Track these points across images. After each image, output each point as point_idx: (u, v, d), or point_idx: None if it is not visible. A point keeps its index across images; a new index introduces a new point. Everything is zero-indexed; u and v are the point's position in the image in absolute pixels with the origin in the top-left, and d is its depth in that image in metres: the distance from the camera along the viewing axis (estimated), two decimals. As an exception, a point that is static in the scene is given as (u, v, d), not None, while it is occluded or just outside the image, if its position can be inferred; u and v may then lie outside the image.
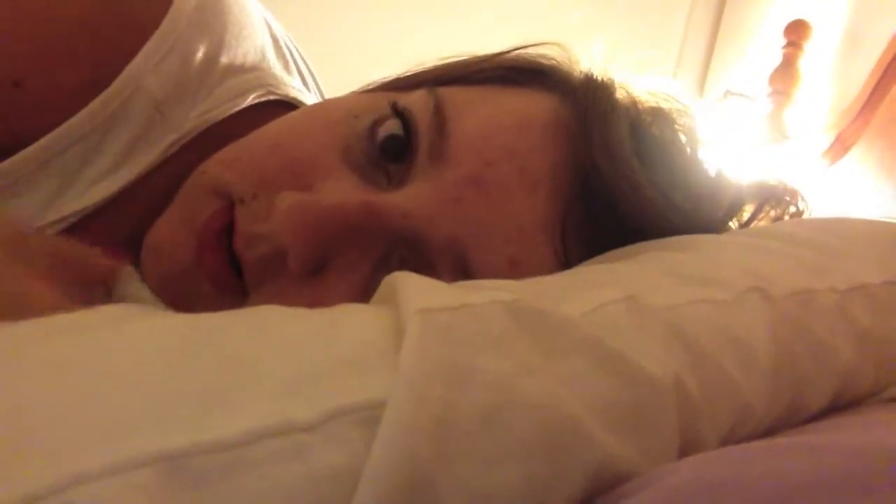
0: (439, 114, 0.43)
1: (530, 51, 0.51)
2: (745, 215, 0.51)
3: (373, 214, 0.40)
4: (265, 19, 0.56)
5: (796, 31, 1.56)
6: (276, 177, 0.42)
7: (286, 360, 0.26)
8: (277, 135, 0.47)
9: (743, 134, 1.56)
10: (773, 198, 0.52)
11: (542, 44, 0.52)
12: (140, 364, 0.25)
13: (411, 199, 0.41)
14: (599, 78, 0.47)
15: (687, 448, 0.30)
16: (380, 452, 0.23)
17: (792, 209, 0.53)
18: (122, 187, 0.48)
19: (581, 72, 0.49)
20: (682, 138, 0.47)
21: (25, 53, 0.44)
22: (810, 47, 1.56)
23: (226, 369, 0.25)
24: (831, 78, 1.59)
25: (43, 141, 0.46)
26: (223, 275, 0.42)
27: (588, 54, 0.50)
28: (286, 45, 0.58)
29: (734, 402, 0.32)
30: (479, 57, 0.51)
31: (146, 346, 0.26)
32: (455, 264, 0.40)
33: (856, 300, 0.38)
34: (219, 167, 0.45)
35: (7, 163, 0.46)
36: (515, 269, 0.40)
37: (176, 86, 0.48)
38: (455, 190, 0.41)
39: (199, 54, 0.49)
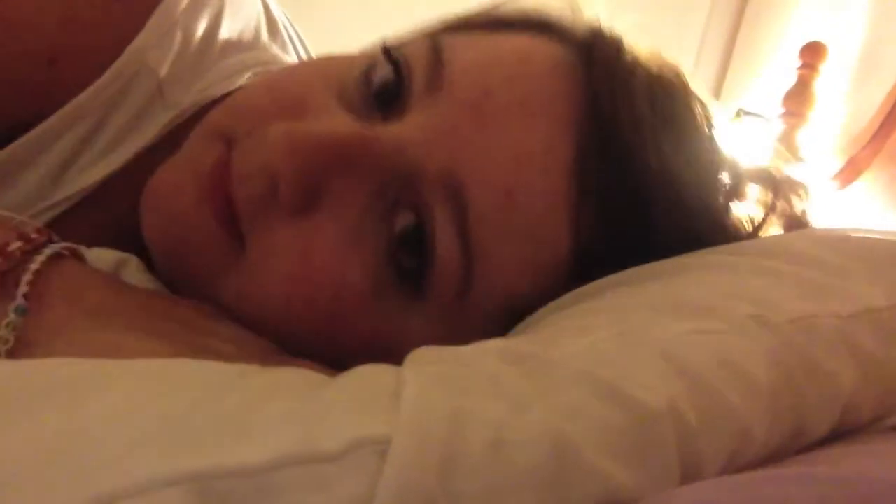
0: (436, 51, 0.42)
1: (534, 2, 0.50)
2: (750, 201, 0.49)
3: (365, 145, 0.39)
4: (264, 1, 0.56)
5: (812, 53, 1.56)
6: (269, 112, 0.41)
7: (312, 392, 0.27)
8: (274, 78, 0.47)
9: (755, 154, 1.55)
10: (781, 189, 0.50)
11: None
12: (167, 395, 0.26)
13: (406, 130, 0.40)
14: (607, 29, 0.46)
15: (687, 474, 0.30)
16: (387, 485, 0.23)
17: (799, 204, 0.51)
18: (118, 168, 0.48)
19: (588, 23, 0.47)
20: (687, 110, 0.45)
21: (57, 30, 0.45)
22: (825, 69, 1.56)
23: (253, 397, 0.26)
24: (845, 101, 1.58)
25: (51, 119, 0.46)
26: (226, 213, 0.40)
27: (593, 11, 0.48)
28: (283, 24, 0.58)
29: (733, 427, 0.31)
30: (476, 10, 0.50)
31: (174, 379, 0.27)
32: (450, 197, 0.39)
33: (859, 325, 0.37)
34: (219, 113, 0.45)
35: (16, 143, 0.46)
36: (511, 200, 0.39)
37: (175, 63, 0.48)
38: (451, 118, 0.39)
39: (198, 32, 0.49)
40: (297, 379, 0.29)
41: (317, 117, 0.41)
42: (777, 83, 1.70)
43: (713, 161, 0.45)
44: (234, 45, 0.52)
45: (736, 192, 0.47)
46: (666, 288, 0.38)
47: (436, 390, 0.27)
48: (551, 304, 0.40)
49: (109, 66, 0.46)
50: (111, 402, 0.26)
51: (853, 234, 0.46)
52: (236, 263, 0.41)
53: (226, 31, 0.51)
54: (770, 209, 0.48)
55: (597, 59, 0.42)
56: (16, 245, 0.37)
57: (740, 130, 1.66)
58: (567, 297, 0.40)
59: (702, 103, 0.46)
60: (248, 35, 0.53)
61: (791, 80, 1.59)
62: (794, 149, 1.54)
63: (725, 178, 0.46)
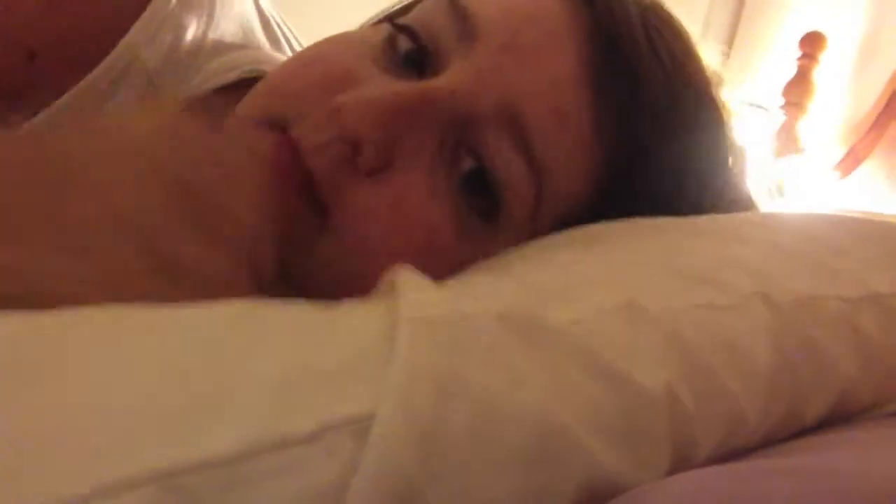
0: (455, 5, 0.44)
1: None
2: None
3: (426, 98, 0.41)
4: (258, 0, 0.58)
5: (811, 43, 1.56)
6: (321, 87, 0.43)
7: (279, 369, 0.25)
8: (304, 57, 0.48)
9: (756, 144, 1.55)
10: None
11: None
12: (128, 381, 0.24)
13: (454, 77, 0.42)
14: None
15: (679, 456, 0.30)
16: (368, 467, 0.23)
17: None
18: None
19: None
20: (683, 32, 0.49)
21: (37, 23, 0.46)
22: (825, 59, 1.56)
23: (219, 382, 0.24)
24: (845, 91, 1.58)
25: (40, 115, 0.47)
26: (304, 186, 0.41)
27: None
28: (276, 23, 0.59)
29: (728, 411, 0.32)
30: None
31: (135, 361, 0.26)
32: (509, 127, 0.42)
33: (864, 310, 0.38)
34: (258, 100, 0.46)
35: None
36: (561, 117, 0.42)
37: (168, 60, 0.49)
38: (492, 60, 0.42)
39: (190, 30, 0.50)
40: (270, 344, 0.27)
41: (369, 83, 0.43)
42: (777, 74, 1.70)
43: (700, 72, 0.49)
44: (227, 44, 0.53)
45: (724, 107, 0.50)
46: (673, 248, 0.39)
47: (429, 355, 0.26)
48: (564, 236, 0.43)
49: (91, 60, 0.47)
50: (68, 388, 0.24)
51: (860, 219, 0.48)
52: (320, 232, 0.42)
53: (217, 30, 0.52)
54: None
55: None
56: None
57: (741, 121, 1.66)
58: (578, 232, 0.43)
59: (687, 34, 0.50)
60: (239, 33, 0.55)
61: (791, 70, 1.59)
62: (794, 139, 1.54)
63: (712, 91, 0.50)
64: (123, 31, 0.47)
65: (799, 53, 1.58)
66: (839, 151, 1.49)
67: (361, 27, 0.53)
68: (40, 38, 0.46)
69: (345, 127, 0.40)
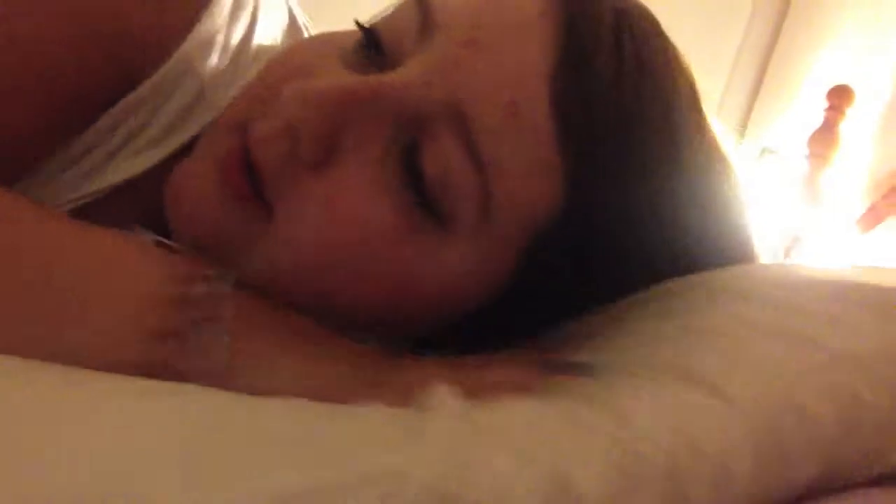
0: (422, 2, 0.44)
1: None
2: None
3: (374, 92, 0.41)
4: (289, 5, 0.58)
5: (839, 96, 1.55)
6: (279, 83, 0.43)
7: (326, 436, 0.29)
8: (275, 59, 0.48)
9: (777, 193, 1.55)
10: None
11: None
12: (193, 435, 0.28)
13: (408, 72, 0.42)
14: None
15: None
16: None
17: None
18: (157, 163, 0.49)
19: None
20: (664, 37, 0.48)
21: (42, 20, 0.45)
22: (852, 113, 1.56)
23: (275, 439, 0.29)
24: (871, 146, 1.58)
25: (103, 118, 0.47)
26: (246, 188, 0.42)
27: None
28: (304, 24, 0.60)
29: (706, 472, 0.33)
30: None
31: (197, 417, 0.30)
32: (453, 120, 0.41)
33: (842, 370, 0.38)
34: (235, 105, 0.47)
35: (92, 129, 0.47)
36: (514, 111, 0.41)
37: (217, 67, 0.50)
38: (449, 54, 0.41)
39: (235, 37, 0.51)
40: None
41: (323, 75, 0.43)
42: (803, 124, 1.70)
43: (690, 83, 0.48)
44: (266, 49, 0.53)
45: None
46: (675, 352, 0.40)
47: (454, 440, 0.29)
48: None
49: (149, 64, 0.47)
50: (127, 436, 0.28)
51: (838, 280, 0.47)
52: (264, 233, 0.42)
53: (259, 36, 0.53)
54: None
55: None
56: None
57: (764, 169, 1.67)
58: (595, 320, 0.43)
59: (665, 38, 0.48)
60: (278, 39, 0.55)
61: (817, 121, 1.58)
62: (816, 190, 1.54)
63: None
64: (172, 40, 0.48)
65: (826, 105, 1.57)
66: (861, 206, 1.48)
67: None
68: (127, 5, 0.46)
69: (285, 116, 0.41)
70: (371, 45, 0.45)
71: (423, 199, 0.41)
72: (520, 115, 0.41)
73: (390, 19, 0.46)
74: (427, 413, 0.32)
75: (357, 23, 0.46)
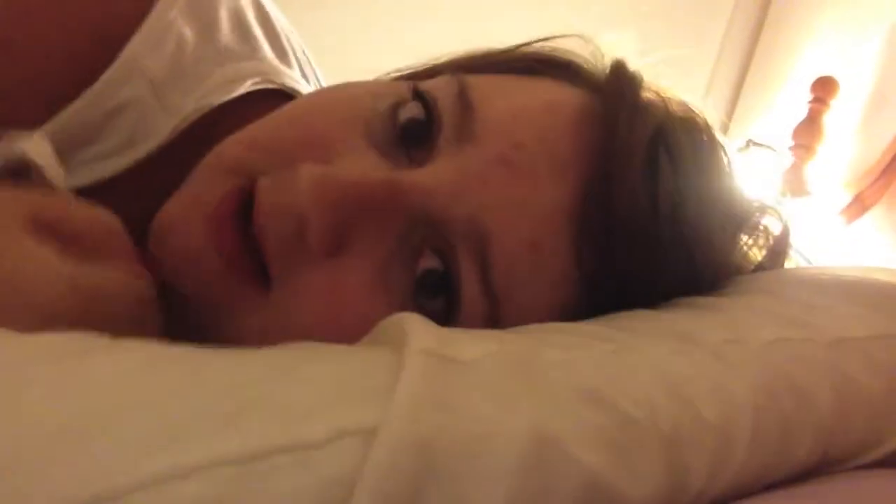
0: (464, 96, 0.42)
1: (553, 42, 0.51)
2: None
3: (395, 191, 0.39)
4: (262, 11, 0.56)
5: (823, 88, 1.56)
6: (297, 150, 0.41)
7: (296, 391, 0.28)
8: (295, 111, 0.46)
9: (762, 185, 1.55)
10: (777, 243, 0.52)
11: (565, 35, 0.51)
12: (159, 387, 0.27)
13: (435, 177, 0.40)
14: (629, 70, 0.46)
15: (674, 475, 0.31)
16: (372, 468, 0.25)
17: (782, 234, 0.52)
18: (120, 172, 0.48)
19: (612, 60, 0.48)
20: (708, 152, 0.46)
21: (12, 15, 0.44)
22: (836, 104, 1.56)
23: (242, 395, 0.27)
24: (855, 136, 1.58)
25: (46, 127, 0.45)
26: (239, 257, 0.40)
27: (615, 45, 0.49)
28: (285, 36, 0.58)
29: (709, 440, 0.32)
30: (500, 48, 0.51)
31: (166, 369, 0.29)
32: (474, 245, 0.39)
33: (838, 352, 0.38)
34: (238, 147, 0.44)
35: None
36: (535, 252, 0.40)
37: (171, 70, 0.48)
38: (482, 170, 0.40)
39: (193, 39, 0.49)
40: (290, 370, 0.30)
41: (344, 158, 0.41)
42: (787, 116, 1.70)
43: (726, 206, 0.46)
44: (232, 54, 0.52)
45: (741, 235, 0.49)
46: (654, 317, 0.40)
47: (430, 385, 0.28)
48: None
49: (81, 59, 0.45)
50: (96, 392, 0.26)
51: (829, 275, 0.48)
52: (261, 301, 0.40)
53: (222, 40, 0.51)
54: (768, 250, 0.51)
55: (618, 107, 0.43)
56: None
57: (748, 161, 1.67)
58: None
59: (718, 145, 0.47)
60: (245, 44, 0.53)
61: (801, 113, 1.59)
62: (802, 182, 1.54)
63: (736, 222, 0.48)
64: (120, 36, 0.46)
65: (810, 97, 1.58)
66: (846, 197, 1.49)
67: (381, 77, 0.52)
68: (11, 28, 0.44)
69: (296, 203, 0.39)
70: (408, 118, 0.43)
71: (424, 305, 0.40)
72: (541, 256, 0.40)
73: (431, 94, 0.43)
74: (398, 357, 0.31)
75: (392, 105, 0.43)
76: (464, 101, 0.42)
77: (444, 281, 0.40)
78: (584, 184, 0.41)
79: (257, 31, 0.55)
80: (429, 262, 0.40)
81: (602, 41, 0.50)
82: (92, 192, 0.44)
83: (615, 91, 0.44)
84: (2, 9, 0.44)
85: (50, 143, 0.42)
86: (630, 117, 0.42)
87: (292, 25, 0.60)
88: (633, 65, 0.48)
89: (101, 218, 0.40)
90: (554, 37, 0.51)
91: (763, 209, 0.51)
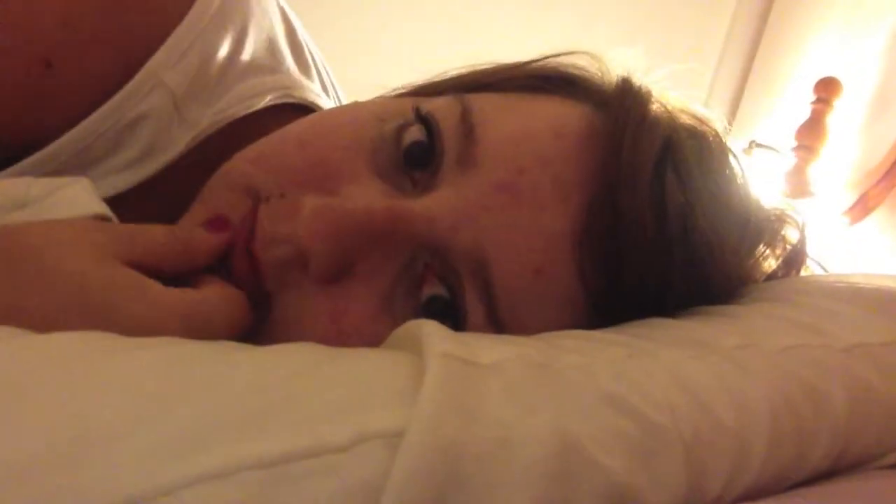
0: (466, 119, 0.42)
1: (560, 59, 0.50)
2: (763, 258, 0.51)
3: (398, 220, 0.40)
4: (289, 25, 0.56)
5: (826, 88, 1.56)
6: (302, 176, 0.42)
7: (320, 394, 0.28)
8: (304, 133, 0.46)
9: (766, 186, 1.55)
10: (793, 252, 0.51)
11: (572, 52, 0.50)
12: (184, 387, 0.28)
13: (437, 205, 0.40)
14: (636, 85, 0.46)
15: (693, 480, 0.31)
16: (399, 472, 0.25)
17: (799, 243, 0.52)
18: (136, 184, 0.48)
19: (618, 76, 0.47)
20: (721, 165, 0.46)
21: (55, 32, 0.44)
22: (839, 105, 1.56)
23: (267, 397, 0.27)
24: (859, 137, 1.58)
25: (64, 138, 0.45)
26: (250, 279, 0.41)
27: (622, 61, 0.49)
28: (308, 50, 0.58)
29: (728, 445, 0.32)
30: (506, 64, 0.51)
31: (190, 369, 0.29)
32: (477, 272, 0.40)
33: (853, 358, 0.38)
34: (245, 164, 0.45)
35: (31, 160, 0.46)
36: (540, 278, 0.40)
37: (194, 83, 0.48)
38: (484, 197, 0.40)
39: (219, 53, 0.49)
40: (313, 373, 0.30)
41: (349, 186, 0.41)
42: (790, 117, 1.70)
43: (739, 216, 0.46)
44: (257, 67, 0.52)
45: (755, 250, 0.49)
46: (667, 328, 0.40)
47: (453, 389, 0.28)
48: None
49: (113, 78, 0.45)
50: (124, 394, 0.27)
51: (843, 283, 0.48)
52: (261, 323, 0.41)
53: (248, 53, 0.51)
54: (782, 263, 0.51)
55: (625, 125, 0.42)
56: None
57: (752, 162, 1.67)
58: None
59: (730, 155, 0.46)
60: (270, 57, 0.53)
61: (805, 114, 1.58)
62: (805, 183, 1.54)
63: (752, 231, 0.47)
64: (151, 48, 0.46)
65: (813, 98, 1.57)
66: (850, 198, 1.48)
67: (388, 93, 0.52)
68: (57, 49, 0.44)
69: (296, 235, 0.39)
70: (413, 141, 0.43)
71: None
72: (545, 279, 0.40)
73: (434, 116, 0.43)
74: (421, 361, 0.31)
75: (396, 128, 0.43)
76: (466, 126, 0.42)
77: (450, 307, 0.40)
78: (589, 206, 0.40)
79: (283, 44, 0.55)
80: (434, 288, 0.40)
81: (609, 56, 0.50)
82: (108, 204, 0.45)
83: (621, 108, 0.43)
84: (48, 28, 0.44)
85: (91, 185, 0.43)
86: (636, 134, 0.41)
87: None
88: (640, 77, 0.48)
89: (177, 236, 0.41)
90: (561, 53, 0.50)
91: (781, 218, 0.51)
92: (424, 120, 0.43)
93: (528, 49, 0.51)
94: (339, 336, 0.39)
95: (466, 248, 0.40)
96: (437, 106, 0.44)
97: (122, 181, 0.48)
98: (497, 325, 0.40)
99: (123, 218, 0.43)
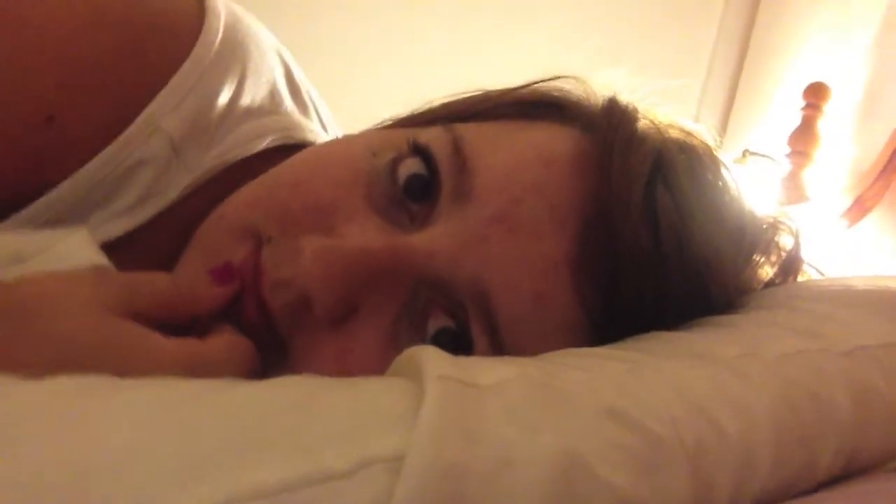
0: (459, 152, 0.42)
1: (547, 84, 0.51)
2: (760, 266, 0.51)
3: (398, 257, 0.40)
4: (286, 66, 0.57)
5: (815, 93, 1.57)
6: (299, 217, 0.42)
7: (320, 421, 0.28)
8: (297, 173, 0.46)
9: (762, 194, 1.55)
10: (790, 260, 0.52)
11: (559, 77, 0.51)
12: (184, 421, 0.27)
13: (436, 239, 0.41)
14: (622, 104, 0.47)
15: (699, 494, 0.31)
16: (401, 493, 0.25)
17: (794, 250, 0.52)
18: (132, 229, 0.48)
19: (604, 97, 0.48)
20: (712, 177, 0.46)
21: (55, 89, 0.44)
22: (829, 109, 1.57)
23: (266, 427, 0.27)
24: (851, 140, 1.59)
25: (62, 187, 0.45)
26: (261, 325, 0.41)
27: (608, 82, 0.49)
28: (306, 91, 0.59)
29: (732, 455, 0.32)
30: (493, 92, 0.51)
31: (189, 403, 0.29)
32: (478, 303, 0.40)
33: (853, 361, 0.38)
34: (241, 208, 0.45)
35: (30, 210, 0.45)
36: (541, 304, 0.40)
37: (193, 128, 0.48)
38: (481, 229, 0.40)
39: (218, 97, 0.49)
40: (312, 401, 0.30)
41: (347, 225, 0.42)
42: (782, 123, 1.71)
43: (733, 227, 0.46)
44: (257, 110, 0.52)
45: (751, 259, 0.49)
46: (665, 342, 0.40)
47: (453, 411, 0.28)
48: None
49: (115, 128, 0.45)
50: (121, 429, 0.27)
51: (840, 286, 0.48)
52: (279, 362, 0.41)
53: (248, 96, 0.51)
54: (777, 271, 0.51)
55: (613, 145, 0.43)
56: None
57: (746, 171, 1.67)
58: None
59: (721, 166, 0.47)
60: (269, 100, 0.53)
61: (796, 120, 1.59)
62: (800, 188, 1.54)
63: (747, 241, 0.48)
64: (150, 95, 0.46)
65: (803, 103, 1.58)
66: (846, 200, 1.49)
67: (376, 126, 0.53)
68: (58, 105, 0.44)
69: (299, 278, 0.40)
70: (411, 174, 0.43)
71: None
72: (546, 304, 0.40)
73: (428, 148, 0.43)
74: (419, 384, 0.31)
75: (390, 162, 0.44)
76: (459, 158, 0.42)
77: (458, 338, 0.41)
78: (583, 228, 0.41)
79: (282, 84, 0.55)
80: (440, 321, 0.41)
81: (594, 77, 0.50)
82: (107, 249, 0.45)
83: (608, 128, 0.44)
84: (48, 87, 0.44)
85: (89, 235, 0.43)
86: (625, 153, 0.42)
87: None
88: (626, 96, 0.48)
89: (180, 286, 0.41)
90: (546, 79, 0.51)
91: (775, 225, 0.51)
92: (421, 152, 0.43)
93: (512, 67, 0.52)
94: (345, 375, 0.39)
95: (467, 280, 0.40)
96: (430, 137, 0.44)
97: (119, 226, 0.48)
98: (501, 352, 0.40)
99: (120, 263, 0.43)
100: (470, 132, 0.44)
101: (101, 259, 0.41)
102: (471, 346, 0.40)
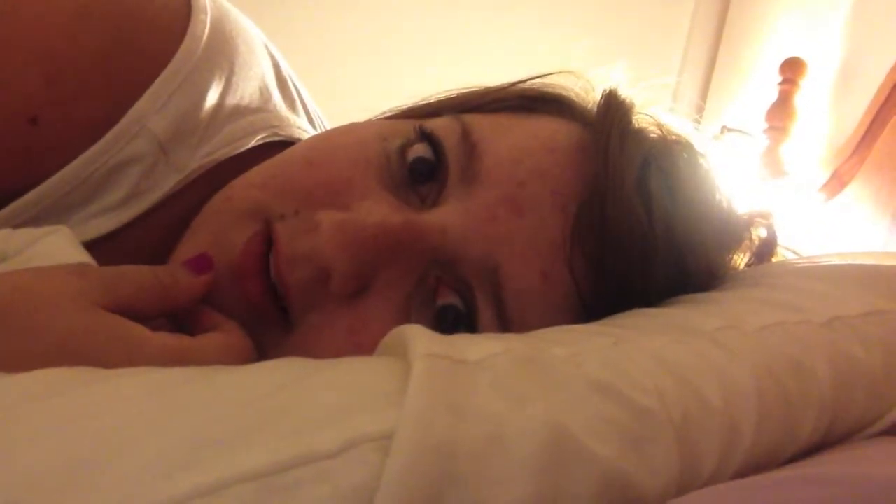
0: (467, 138, 0.44)
1: (546, 79, 0.53)
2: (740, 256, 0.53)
3: (414, 233, 0.41)
4: (273, 60, 0.56)
5: (791, 69, 1.58)
6: (315, 194, 0.43)
7: (307, 403, 0.28)
8: (309, 152, 0.47)
9: (740, 170, 1.57)
10: (764, 246, 0.54)
11: (558, 72, 0.53)
12: (170, 408, 0.28)
13: (448, 218, 0.42)
14: (619, 98, 0.48)
15: (686, 464, 0.31)
16: (391, 474, 0.25)
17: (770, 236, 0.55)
18: (120, 226, 0.48)
19: (602, 90, 0.50)
20: (702, 170, 0.48)
21: (39, 88, 0.44)
22: (806, 84, 1.58)
23: (254, 410, 0.28)
24: (827, 114, 1.60)
25: (49, 183, 0.45)
26: (266, 304, 0.41)
27: (606, 77, 0.52)
28: (293, 84, 0.58)
29: (717, 424, 0.33)
30: (494, 87, 0.53)
31: (175, 389, 0.29)
32: (487, 279, 0.41)
33: (832, 331, 0.39)
34: (251, 189, 0.45)
35: (12, 207, 0.45)
36: (546, 282, 0.42)
37: (180, 126, 0.48)
38: (489, 209, 0.42)
39: (206, 95, 0.49)
40: (299, 384, 0.30)
41: (361, 202, 0.43)
42: (759, 99, 1.72)
43: (717, 217, 0.48)
44: (244, 107, 0.52)
45: (732, 247, 0.51)
46: (647, 317, 0.41)
47: (440, 387, 0.28)
48: None
49: (100, 127, 0.45)
50: (108, 418, 0.27)
51: (822, 264, 0.49)
52: (284, 341, 0.42)
53: (237, 93, 0.51)
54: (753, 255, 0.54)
55: (609, 136, 0.45)
56: None
57: (725, 147, 1.68)
58: None
59: (709, 160, 0.49)
60: (257, 96, 0.53)
61: (773, 95, 1.61)
62: (778, 163, 1.56)
63: (728, 230, 0.50)
64: (137, 94, 0.46)
65: (779, 79, 1.59)
66: (824, 174, 1.51)
67: (381, 115, 0.54)
68: (42, 106, 0.44)
69: (318, 250, 0.40)
70: (416, 157, 0.44)
71: (452, 332, 0.40)
72: (550, 282, 0.42)
73: (437, 135, 0.45)
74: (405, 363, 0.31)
75: (400, 146, 0.45)
76: (468, 143, 0.44)
77: (463, 315, 0.42)
78: (579, 210, 0.43)
79: (270, 79, 0.55)
80: (447, 298, 0.42)
81: (592, 71, 0.53)
82: (92, 246, 0.45)
83: (605, 121, 0.46)
84: (33, 86, 0.44)
85: (71, 234, 0.43)
86: (620, 143, 0.44)
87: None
88: (623, 89, 0.50)
89: (160, 278, 0.41)
90: (545, 74, 0.53)
91: (752, 219, 0.54)
92: (429, 138, 0.45)
93: (498, 55, 0.53)
94: (356, 351, 0.39)
95: (477, 257, 0.41)
96: (438, 125, 0.46)
97: (105, 224, 0.48)
98: (505, 326, 0.41)
99: (108, 260, 0.42)
100: (476, 121, 0.46)
101: (84, 256, 0.41)
102: (474, 322, 0.41)
